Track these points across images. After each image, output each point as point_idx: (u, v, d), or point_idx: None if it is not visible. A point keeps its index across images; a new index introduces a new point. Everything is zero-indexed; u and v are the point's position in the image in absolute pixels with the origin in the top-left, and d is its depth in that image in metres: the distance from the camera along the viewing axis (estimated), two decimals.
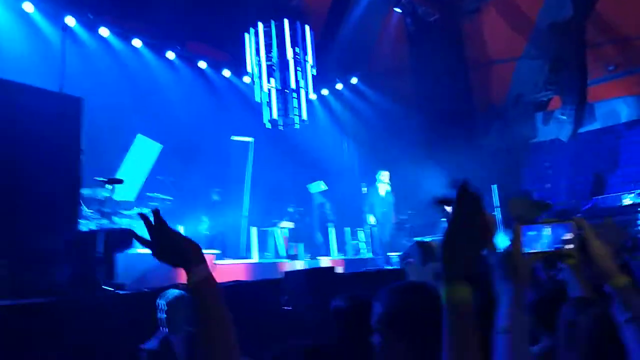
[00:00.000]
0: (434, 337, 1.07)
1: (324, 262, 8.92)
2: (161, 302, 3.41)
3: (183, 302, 3.42)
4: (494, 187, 10.26)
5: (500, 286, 1.21)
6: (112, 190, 6.36)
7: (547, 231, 1.22)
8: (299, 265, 8.51)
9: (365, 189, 10.28)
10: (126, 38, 10.15)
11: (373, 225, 10.09)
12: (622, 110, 14.26)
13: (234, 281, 5.98)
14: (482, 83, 14.99)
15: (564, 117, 13.44)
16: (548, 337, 1.84)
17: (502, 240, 1.27)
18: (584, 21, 13.06)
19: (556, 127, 13.93)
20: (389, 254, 9.73)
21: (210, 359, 1.13)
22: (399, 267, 8.12)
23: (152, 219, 1.22)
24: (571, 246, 1.21)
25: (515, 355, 1.12)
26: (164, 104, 10.16)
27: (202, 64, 11.68)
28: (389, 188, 10.10)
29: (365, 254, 10.76)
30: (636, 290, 1.20)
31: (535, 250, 1.21)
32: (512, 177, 13.20)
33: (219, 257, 7.82)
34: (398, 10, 13.87)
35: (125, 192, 7.57)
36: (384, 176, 10.10)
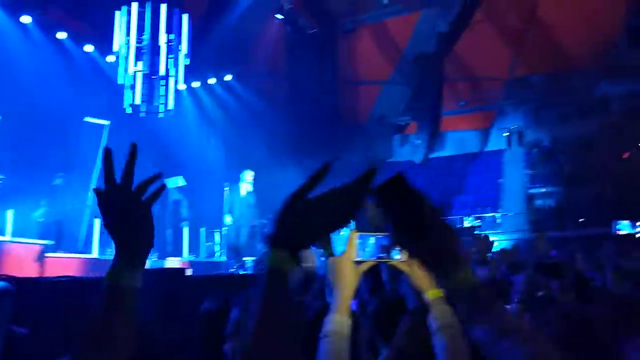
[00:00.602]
0: None
1: (173, 263, 8.56)
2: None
3: (7, 296, 3.09)
4: None
5: (329, 292, 1.24)
6: None
7: (372, 240, 1.24)
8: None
9: (227, 188, 10.05)
10: None
11: (229, 226, 9.86)
12: (469, 142, 15.95)
13: (66, 276, 5.46)
14: (350, 99, 15.72)
15: (419, 142, 14.62)
16: (386, 347, 1.91)
17: (339, 248, 1.29)
18: (444, 57, 14.37)
19: (411, 150, 15.12)
20: (244, 258, 9.62)
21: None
22: (253, 272, 8.10)
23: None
24: (399, 257, 1.25)
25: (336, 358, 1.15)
26: (11, 71, 9.02)
27: (62, 35, 10.60)
28: (251, 189, 9.89)
29: (219, 257, 10.52)
30: (445, 303, 1.27)
31: (364, 259, 1.24)
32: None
33: (51, 248, 7.08)
34: (280, 16, 13.99)
35: None
36: (248, 176, 9.87)
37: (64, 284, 4.77)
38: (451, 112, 15.30)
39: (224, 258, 10.16)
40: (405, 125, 15.94)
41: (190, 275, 6.64)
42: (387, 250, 1.25)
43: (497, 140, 16.02)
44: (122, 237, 0.99)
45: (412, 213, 0.92)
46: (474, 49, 14.42)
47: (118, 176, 1.01)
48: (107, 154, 1.02)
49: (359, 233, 1.25)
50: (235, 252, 9.19)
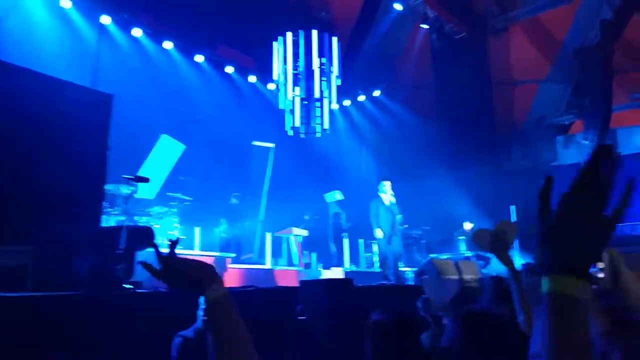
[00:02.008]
0: None
1: (335, 272, 8.93)
2: (201, 299, 3.48)
3: None
4: (512, 208, 10.20)
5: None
6: (135, 188, 6.46)
7: None
8: (313, 274, 8.55)
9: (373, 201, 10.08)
10: (158, 39, 10.38)
11: (379, 239, 9.93)
12: None
13: (249, 286, 6.03)
14: (505, 103, 14.93)
15: (587, 142, 13.32)
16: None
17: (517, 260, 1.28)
18: (611, 46, 12.98)
19: (577, 151, 13.82)
20: (400, 268, 9.66)
21: None
22: (413, 283, 8.13)
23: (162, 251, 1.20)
24: (601, 275, 1.19)
25: None
26: (190, 106, 10.34)
27: (229, 69, 11.87)
28: (393, 199, 9.80)
29: (377, 267, 10.72)
30: None
31: None
32: (531, 199, 13.05)
33: (233, 261, 7.91)
34: (425, 26, 13.93)
35: (145, 191, 7.70)
36: (386, 186, 9.85)
37: (249, 293, 5.27)
38: (623, 107, 13.69)
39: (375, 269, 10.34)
40: (569, 124, 14.63)
41: (357, 286, 6.88)
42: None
43: None
44: (186, 289, 1.20)
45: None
46: None
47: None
48: (173, 244, 1.21)
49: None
50: (383, 263, 9.22)
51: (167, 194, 8.25)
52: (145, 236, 5.26)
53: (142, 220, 7.27)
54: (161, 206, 7.83)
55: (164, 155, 8.37)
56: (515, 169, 13.73)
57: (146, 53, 10.21)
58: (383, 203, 9.49)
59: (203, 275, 1.17)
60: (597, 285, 1.25)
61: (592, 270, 1.13)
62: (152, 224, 7.29)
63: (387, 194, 9.54)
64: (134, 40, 10.01)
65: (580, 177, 0.82)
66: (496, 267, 9.63)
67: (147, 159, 8.15)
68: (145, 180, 5.61)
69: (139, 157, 8.21)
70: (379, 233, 9.27)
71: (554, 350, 0.76)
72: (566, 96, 14.42)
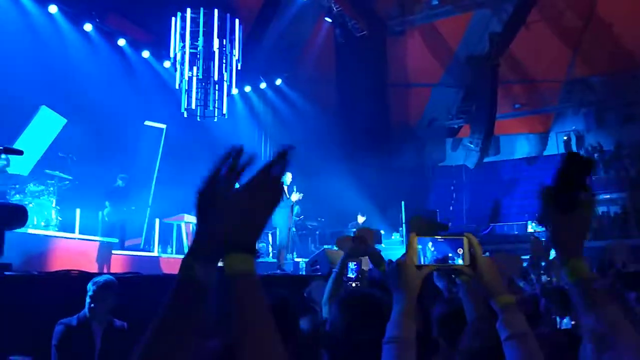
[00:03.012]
0: None
1: None
2: (89, 286, 3.27)
3: (110, 288, 3.32)
4: (402, 204, 10.62)
5: (394, 296, 1.22)
6: (7, 162, 5.75)
7: (430, 244, 1.23)
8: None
9: None
10: (42, 2, 9.33)
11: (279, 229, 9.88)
12: (524, 146, 15.48)
13: (133, 272, 5.64)
14: (400, 103, 15.56)
15: (472, 146, 14.29)
16: (450, 351, 1.88)
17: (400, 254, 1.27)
18: (498, 58, 14.01)
19: (464, 154, 14.78)
20: (294, 259, 9.67)
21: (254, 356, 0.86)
22: (304, 273, 8.14)
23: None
24: (461, 261, 1.22)
25: None
26: (75, 78, 9.41)
27: (121, 41, 11.00)
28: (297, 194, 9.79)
29: (270, 257, 10.61)
30: (518, 310, 1.22)
31: (427, 263, 1.22)
32: (420, 196, 13.77)
33: (116, 247, 7.34)
34: (328, 19, 14.04)
35: (19, 166, 6.92)
36: (287, 177, 9.84)
37: (131, 280, 4.91)
38: (506, 115, 14.86)
39: (269, 259, 10.25)
40: (458, 128, 15.61)
41: None
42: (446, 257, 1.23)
43: (555, 145, 15.43)
44: (211, 230, 0.91)
45: (571, 184, 0.98)
46: (530, 49, 14.00)
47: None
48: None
49: (418, 237, 1.23)
50: (279, 253, 9.21)
51: (45, 171, 7.45)
52: (16, 215, 4.68)
53: (15, 199, 6.52)
54: (37, 183, 7.06)
55: (42, 128, 7.58)
56: (407, 166, 14.37)
57: (28, 15, 9.14)
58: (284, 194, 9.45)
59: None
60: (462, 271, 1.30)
61: (454, 257, 1.20)
62: (26, 202, 6.54)
63: (287, 185, 9.51)
64: (14, 1, 8.93)
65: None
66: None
67: (24, 132, 7.33)
68: (17, 152, 4.97)
69: (15, 129, 7.36)
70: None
71: (240, 327, 0.81)
72: (457, 101, 15.36)
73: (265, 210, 0.89)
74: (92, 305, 3.31)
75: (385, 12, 15.29)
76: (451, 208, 12.84)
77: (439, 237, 1.23)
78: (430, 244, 1.23)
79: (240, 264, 0.84)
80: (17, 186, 6.70)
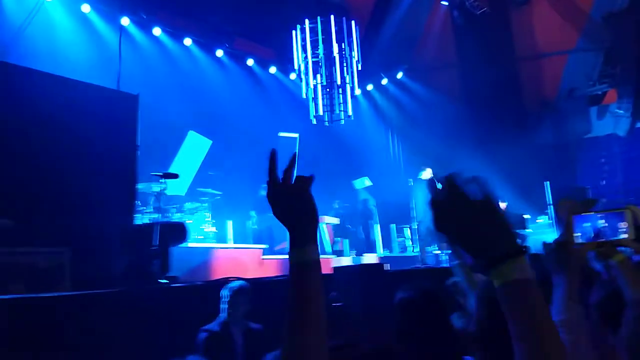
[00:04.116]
0: None
1: (370, 259, 8.88)
2: (224, 292, 3.52)
3: (244, 293, 3.53)
4: (547, 184, 9.95)
5: (554, 279, 1.18)
6: (165, 185, 6.53)
7: (601, 222, 1.17)
8: (345, 261, 8.51)
9: (412, 182, 10.09)
10: (177, 37, 10.42)
11: (419, 222, 9.88)
12: None
13: (282, 275, 6.05)
14: (533, 77, 14.53)
15: (621, 111, 12.88)
16: (612, 336, 1.77)
17: (553, 236, 1.23)
18: None
19: (612, 122, 13.38)
20: (434, 251, 9.58)
21: (301, 342, 1.03)
22: (448, 265, 8.02)
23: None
24: (625, 236, 1.16)
25: (572, 348, 1.10)
26: (214, 101, 10.37)
27: (250, 61, 11.86)
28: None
29: (411, 251, 10.63)
30: None
31: (586, 242, 1.18)
32: (566, 173, 12.74)
33: (266, 251, 7.93)
34: (445, 2, 13.64)
35: (176, 187, 7.78)
36: (425, 174, 9.80)
37: (284, 282, 5.28)
38: None
39: (416, 252, 10.23)
40: (602, 94, 14.14)
41: (389, 270, 6.83)
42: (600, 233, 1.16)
43: None
44: (290, 223, 1.13)
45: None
46: None
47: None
48: (272, 157, 1.20)
49: (574, 214, 1.18)
50: (423, 247, 9.19)
51: (198, 189, 8.32)
52: (178, 232, 5.31)
53: (175, 217, 7.36)
54: (193, 202, 7.90)
55: (192, 151, 8.44)
56: (548, 143, 13.39)
57: (167, 51, 10.26)
58: (421, 189, 9.46)
59: (315, 226, 1.14)
60: (623, 248, 1.23)
61: (616, 233, 1.09)
62: (185, 219, 7.37)
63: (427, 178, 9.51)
64: (155, 39, 10.08)
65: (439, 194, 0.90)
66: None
67: (176, 156, 8.23)
68: (174, 176, 5.66)
69: (168, 154, 8.29)
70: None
71: (529, 335, 0.81)
72: (598, 65, 13.94)
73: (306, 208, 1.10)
74: (230, 310, 3.49)
75: None
76: (603, 182, 11.68)
77: (598, 212, 1.19)
78: (587, 223, 1.19)
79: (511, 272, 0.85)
80: (176, 206, 7.55)
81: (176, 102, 9.33)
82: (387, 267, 7.61)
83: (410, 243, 10.91)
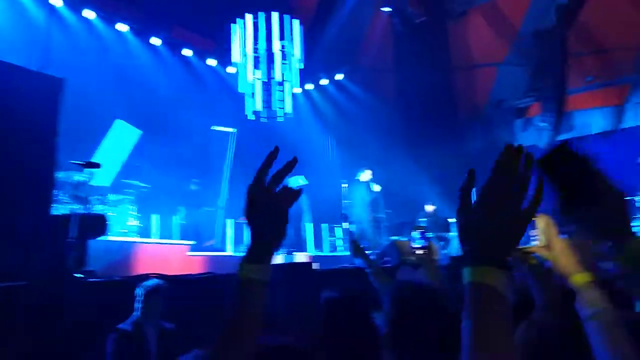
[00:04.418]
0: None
1: (300, 257, 8.93)
2: (138, 291, 3.41)
3: (159, 293, 3.45)
4: (474, 190, 10.38)
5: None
6: (90, 175, 6.27)
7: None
8: (276, 259, 8.50)
9: (346, 185, 10.25)
10: (111, 22, 10.00)
11: (352, 223, 10.05)
12: (598, 121, 14.60)
13: (207, 272, 5.96)
14: (466, 86, 15.14)
15: (544, 124, 13.65)
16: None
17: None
18: (566, 30, 13.26)
19: (535, 134, 14.17)
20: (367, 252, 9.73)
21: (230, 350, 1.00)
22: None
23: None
24: (537, 243, 1.21)
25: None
26: (146, 90, 10.03)
27: (187, 52, 11.56)
28: (377, 187, 9.89)
29: (343, 251, 10.79)
30: (597, 288, 1.19)
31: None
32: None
33: (192, 248, 7.78)
34: (387, 9, 13.92)
35: (100, 178, 7.48)
36: (364, 175, 9.98)
37: (206, 280, 5.21)
38: (578, 90, 14.05)
39: (346, 252, 10.39)
40: (527, 107, 14.98)
41: (317, 269, 6.89)
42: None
43: (633, 117, 14.42)
44: (258, 230, 1.05)
45: (582, 179, 0.92)
46: (600, 17, 13.12)
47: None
48: (273, 154, 1.10)
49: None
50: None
51: (123, 181, 8.02)
52: (97, 224, 5.11)
53: (98, 209, 7.08)
54: (117, 194, 7.62)
55: (119, 141, 8.14)
56: (476, 150, 13.97)
57: (99, 36, 9.83)
58: (360, 190, 9.61)
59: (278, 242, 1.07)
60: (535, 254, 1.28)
61: (529, 240, 1.15)
62: (107, 212, 7.09)
63: (366, 182, 9.68)
64: (87, 22, 9.64)
65: (497, 173, 0.88)
66: (456, 248, 9.84)
67: (101, 145, 7.91)
68: (95, 165, 5.43)
69: (93, 143, 7.95)
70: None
71: (474, 340, 0.77)
72: (525, 79, 14.71)
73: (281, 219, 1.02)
74: (143, 310, 3.40)
75: None
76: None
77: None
78: None
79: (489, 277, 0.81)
80: (100, 197, 7.26)
81: (106, 89, 8.95)
82: (315, 266, 7.69)
83: (341, 242, 11.08)
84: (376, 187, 9.40)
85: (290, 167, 1.08)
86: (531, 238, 1.20)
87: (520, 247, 1.20)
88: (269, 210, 1.06)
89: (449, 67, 14.44)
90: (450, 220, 10.59)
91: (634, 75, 14.11)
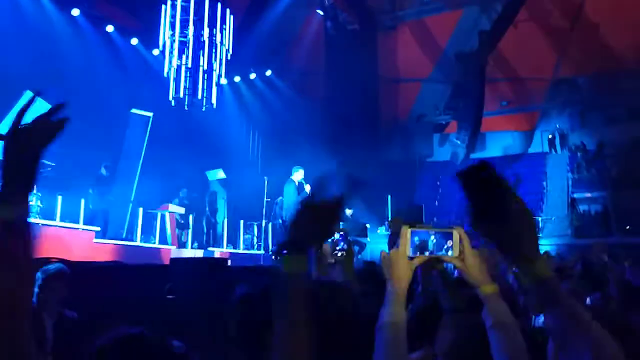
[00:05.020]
0: None
1: (218, 253, 8.69)
2: (38, 275, 3.10)
3: (60, 278, 3.17)
4: (389, 198, 10.66)
5: (387, 286, 1.28)
6: None
7: (432, 239, 1.28)
8: (187, 253, 8.20)
9: (266, 179, 10.07)
10: None
11: (280, 222, 9.85)
12: (509, 143, 15.66)
13: (113, 261, 5.61)
14: (390, 97, 15.59)
15: (458, 142, 14.36)
16: (429, 346, 1.89)
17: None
18: (486, 56, 14.06)
19: (450, 150, 14.89)
20: None
21: None
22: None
23: None
24: (450, 253, 1.27)
25: (390, 350, 1.20)
26: (61, 63, 9.30)
27: (110, 28, 10.87)
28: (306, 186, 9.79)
29: (256, 249, 10.60)
30: (501, 299, 1.28)
31: (419, 255, 1.28)
32: (407, 190, 13.83)
33: (98, 235, 7.29)
34: (320, 12, 13.99)
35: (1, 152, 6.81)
36: (297, 175, 9.84)
37: (113, 269, 4.89)
38: (493, 113, 15.01)
39: (262, 251, 10.25)
40: (446, 124, 15.74)
41: (231, 265, 6.73)
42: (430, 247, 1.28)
43: (540, 143, 15.65)
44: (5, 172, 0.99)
45: (494, 197, 0.97)
46: (518, 48, 14.09)
47: None
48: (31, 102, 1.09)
49: (411, 229, 1.27)
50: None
51: None
52: None
53: None
54: None
55: (28, 114, 7.46)
56: (395, 160, 14.41)
57: (16, 2, 9.01)
58: (291, 188, 9.46)
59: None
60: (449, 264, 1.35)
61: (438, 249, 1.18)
62: None
63: (297, 180, 9.54)
64: None
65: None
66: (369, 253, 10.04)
67: (6, 117, 7.22)
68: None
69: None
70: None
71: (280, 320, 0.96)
72: (445, 97, 15.45)
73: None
74: (41, 295, 3.11)
75: (377, 6, 15.26)
76: (437, 203, 12.91)
77: (432, 229, 1.28)
78: (416, 237, 1.28)
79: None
80: None
81: (17, 57, 8.20)
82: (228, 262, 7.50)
83: (256, 241, 10.89)
84: (307, 187, 9.34)
85: (31, 103, 1.09)
86: (445, 248, 1.26)
87: (435, 255, 1.26)
88: (18, 148, 1.02)
89: (376, 77, 14.78)
90: (367, 225, 10.79)
91: (544, 104, 15.32)
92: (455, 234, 1.27)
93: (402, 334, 1.24)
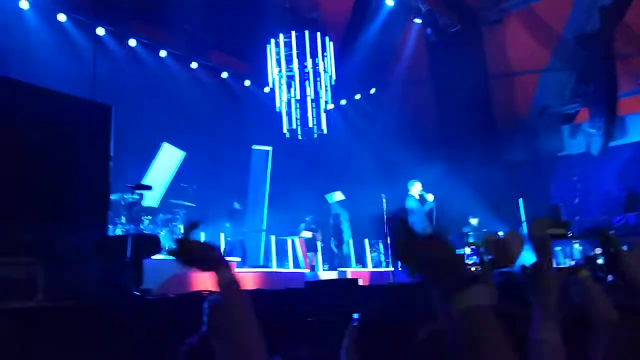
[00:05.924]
0: None
1: (345, 273, 8.92)
2: (205, 306, 3.48)
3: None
4: (520, 201, 10.11)
5: (532, 300, 1.22)
6: (141, 197, 6.46)
7: (577, 247, 1.23)
8: (321, 275, 8.51)
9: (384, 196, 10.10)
10: (152, 48, 10.39)
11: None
12: None
13: (255, 289, 6.02)
14: (505, 95, 14.82)
15: (593, 130, 13.06)
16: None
17: (529, 256, 1.27)
18: (612, 32, 12.79)
19: (585, 140, 13.57)
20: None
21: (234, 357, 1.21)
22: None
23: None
24: (600, 261, 1.22)
25: None
26: (188, 113, 10.35)
27: (224, 74, 11.88)
28: (431, 198, 9.71)
29: (384, 266, 10.63)
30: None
31: (564, 266, 1.22)
32: (539, 191, 12.87)
33: (239, 265, 7.89)
34: (418, 20, 13.89)
35: (149, 199, 7.69)
36: (415, 188, 9.78)
37: (255, 296, 5.25)
38: (629, 93, 13.37)
39: (390, 267, 10.26)
40: (575, 113, 14.37)
41: (363, 285, 6.86)
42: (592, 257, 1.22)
43: None
44: (200, 266, 1.37)
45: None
46: None
47: None
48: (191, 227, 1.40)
49: (553, 239, 1.24)
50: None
51: (171, 201, 8.23)
52: (151, 243, 5.25)
53: (148, 228, 7.26)
54: (165, 214, 7.83)
55: (166, 162, 8.37)
56: (520, 160, 13.57)
57: (142, 62, 10.21)
58: (416, 201, 9.50)
59: (215, 254, 1.34)
60: (600, 272, 1.27)
61: (592, 255, 1.16)
62: (157, 231, 7.28)
63: (417, 193, 9.58)
64: (130, 50, 10.03)
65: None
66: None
67: (150, 167, 8.15)
68: (147, 188, 5.60)
69: (142, 165, 8.21)
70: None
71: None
72: (570, 84, 14.22)
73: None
74: (210, 322, 3.45)
75: (478, 3, 14.75)
76: (577, 201, 11.81)
77: (574, 237, 1.23)
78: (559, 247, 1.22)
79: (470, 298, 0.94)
80: (149, 217, 7.46)
81: (151, 113, 9.25)
82: (360, 281, 7.65)
83: (384, 258, 10.94)
84: (430, 197, 9.34)
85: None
86: (593, 256, 1.19)
87: (580, 265, 1.20)
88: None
89: (486, 75, 14.18)
90: (499, 233, 10.35)
91: None
92: (603, 239, 1.23)
93: (559, 352, 1.17)
